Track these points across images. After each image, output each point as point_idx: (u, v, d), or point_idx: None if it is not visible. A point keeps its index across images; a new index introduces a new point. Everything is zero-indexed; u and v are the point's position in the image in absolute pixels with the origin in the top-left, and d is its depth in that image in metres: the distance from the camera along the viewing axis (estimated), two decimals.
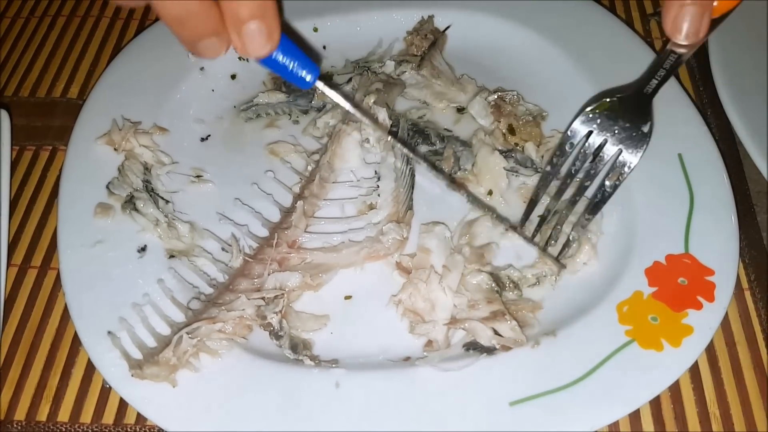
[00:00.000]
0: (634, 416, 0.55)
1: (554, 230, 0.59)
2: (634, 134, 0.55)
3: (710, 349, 0.58)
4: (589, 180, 0.57)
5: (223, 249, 0.62)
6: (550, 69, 0.74)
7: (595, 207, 0.57)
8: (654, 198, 0.62)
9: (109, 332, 0.55)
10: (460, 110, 0.72)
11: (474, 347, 0.55)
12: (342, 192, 0.66)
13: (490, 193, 0.65)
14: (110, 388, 0.55)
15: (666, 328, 0.55)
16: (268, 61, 0.46)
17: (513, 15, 0.76)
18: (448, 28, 0.77)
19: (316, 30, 0.77)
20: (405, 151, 0.62)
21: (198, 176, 0.67)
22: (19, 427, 0.56)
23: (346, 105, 0.51)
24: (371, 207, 0.64)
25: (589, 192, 0.59)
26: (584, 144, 0.56)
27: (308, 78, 0.47)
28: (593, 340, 0.55)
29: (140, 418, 0.55)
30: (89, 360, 0.56)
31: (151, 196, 0.63)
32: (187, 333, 0.52)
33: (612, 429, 0.54)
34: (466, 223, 0.64)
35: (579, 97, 0.69)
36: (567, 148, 0.57)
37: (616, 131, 0.55)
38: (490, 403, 0.52)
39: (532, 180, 0.65)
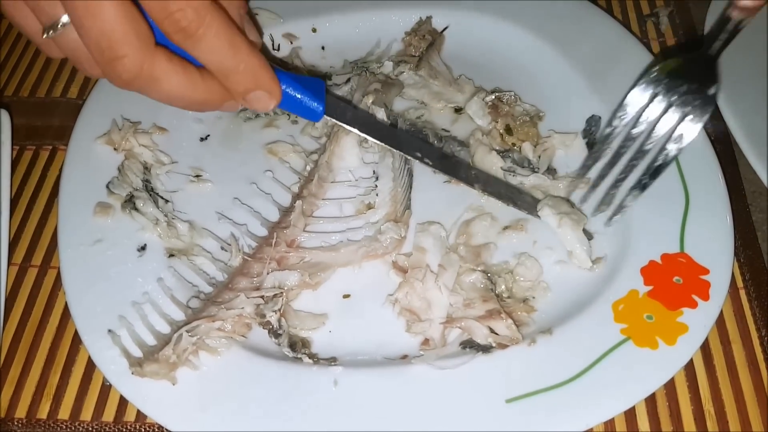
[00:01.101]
0: (630, 414, 0.55)
1: (607, 194, 0.58)
2: (700, 97, 0.53)
3: (705, 348, 0.58)
4: (651, 144, 0.55)
5: (222, 248, 0.62)
6: (547, 70, 0.74)
7: (656, 171, 0.56)
8: (650, 198, 0.61)
9: (109, 330, 0.55)
10: (458, 110, 0.72)
11: (470, 345, 0.55)
12: (340, 191, 0.66)
13: None
14: (110, 386, 0.55)
15: (661, 327, 0.55)
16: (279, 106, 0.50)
17: (510, 16, 0.76)
18: (446, 29, 0.77)
19: (314, 30, 0.77)
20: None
21: (197, 176, 0.67)
22: (20, 425, 0.56)
23: (356, 131, 0.54)
24: (369, 206, 0.64)
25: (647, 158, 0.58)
26: (647, 107, 0.54)
27: (318, 110, 0.51)
28: (589, 338, 0.54)
29: (140, 415, 0.55)
30: (89, 358, 0.56)
31: (150, 195, 0.63)
32: (187, 331, 0.52)
33: (608, 427, 0.54)
34: (463, 222, 0.64)
35: (575, 98, 0.71)
36: (630, 109, 0.55)
37: (682, 94, 0.54)
38: (486, 401, 0.52)
39: (529, 180, 0.65)
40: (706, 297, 0.56)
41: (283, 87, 0.49)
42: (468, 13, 0.76)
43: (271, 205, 0.65)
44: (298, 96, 0.49)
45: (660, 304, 0.56)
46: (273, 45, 0.77)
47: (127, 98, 0.66)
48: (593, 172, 0.60)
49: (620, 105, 0.57)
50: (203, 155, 0.69)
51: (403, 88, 0.73)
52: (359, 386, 0.53)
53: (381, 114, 0.67)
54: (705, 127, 0.66)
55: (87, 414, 0.56)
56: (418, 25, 0.77)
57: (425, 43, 0.75)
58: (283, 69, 0.51)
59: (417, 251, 0.60)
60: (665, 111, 0.54)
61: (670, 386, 0.56)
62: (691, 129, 0.54)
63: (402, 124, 0.69)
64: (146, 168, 0.66)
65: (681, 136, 0.54)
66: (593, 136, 0.69)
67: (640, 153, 0.56)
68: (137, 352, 0.54)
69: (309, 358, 0.55)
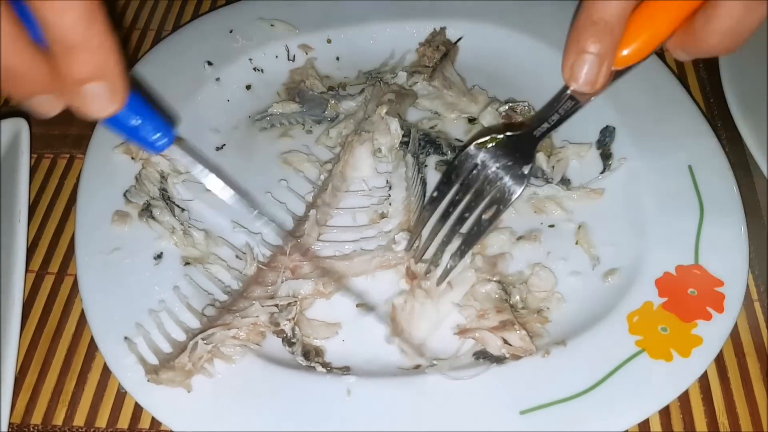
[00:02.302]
0: (644, 426, 0.54)
1: (435, 255, 0.58)
2: (514, 174, 0.54)
3: (720, 360, 0.58)
4: (468, 212, 0.56)
5: (237, 256, 0.62)
6: (560, 80, 0.69)
7: (470, 239, 0.56)
8: (664, 209, 0.62)
9: (125, 338, 0.55)
10: (471, 120, 0.71)
11: (484, 356, 0.55)
12: (354, 201, 0.65)
13: None
14: (125, 392, 0.55)
15: (676, 339, 0.54)
16: (112, 122, 0.41)
17: (524, 27, 0.75)
18: (459, 39, 0.77)
19: (329, 41, 0.77)
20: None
21: None
22: (36, 431, 0.56)
23: (199, 169, 0.49)
24: (383, 216, 0.64)
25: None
26: (468, 175, 0.55)
27: (160, 142, 0.43)
28: (603, 349, 0.54)
29: (155, 422, 0.55)
30: (105, 365, 0.56)
31: (167, 204, 0.63)
32: (203, 339, 0.52)
33: None
34: None
35: (589, 109, 0.65)
36: (453, 177, 0.56)
37: (498, 168, 0.54)
38: (500, 412, 0.52)
39: (543, 191, 0.66)
40: (720, 309, 0.56)
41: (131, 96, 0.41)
42: (482, 25, 0.76)
43: (285, 215, 0.65)
44: (142, 119, 0.42)
45: (675, 316, 0.56)
46: (289, 56, 0.77)
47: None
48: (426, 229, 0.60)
49: (445, 172, 0.58)
50: (219, 164, 0.68)
51: (416, 98, 0.72)
52: (372, 396, 0.53)
53: (395, 124, 0.68)
54: (720, 139, 0.67)
55: (102, 421, 0.56)
56: (432, 36, 0.76)
57: (439, 53, 0.75)
58: None
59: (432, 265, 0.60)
60: (482, 182, 0.55)
61: (684, 398, 0.56)
62: (504, 202, 0.55)
63: (415, 134, 0.69)
64: (163, 177, 0.66)
65: (494, 208, 0.55)
66: (607, 147, 0.69)
67: (460, 220, 0.57)
68: (153, 360, 0.54)
69: (322, 367, 0.54)
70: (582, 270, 0.61)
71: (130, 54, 0.81)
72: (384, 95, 0.70)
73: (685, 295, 0.57)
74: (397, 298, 0.58)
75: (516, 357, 0.54)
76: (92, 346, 0.58)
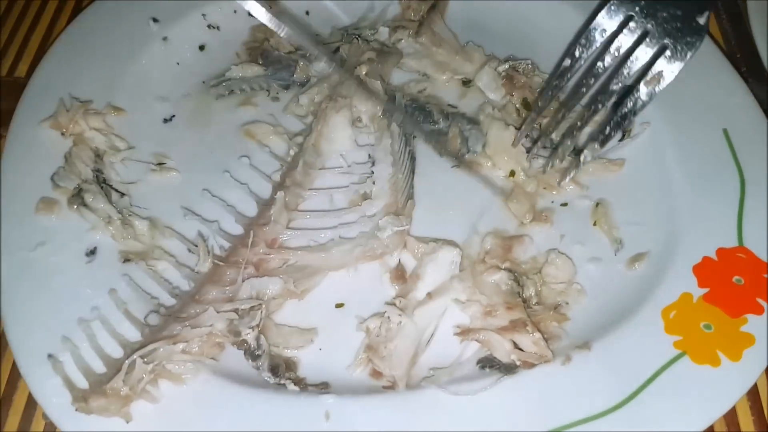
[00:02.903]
0: None
1: (562, 144, 0.50)
2: (685, 26, 0.45)
3: None
4: (619, 81, 0.47)
5: (188, 250, 0.58)
6: (568, 34, 0.66)
7: (621, 119, 0.48)
8: (698, 182, 0.58)
9: (49, 355, 0.50)
10: (466, 83, 0.68)
11: (490, 365, 0.51)
12: (331, 180, 0.62)
13: (511, 174, 0.60)
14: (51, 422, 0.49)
15: (722, 338, 0.50)
16: None
17: None
18: None
19: None
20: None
21: (160, 164, 0.63)
22: None
23: None
24: (365, 197, 0.61)
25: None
26: (618, 33, 0.46)
27: None
28: (636, 354, 0.50)
29: None
30: None
31: (102, 188, 0.59)
32: (141, 356, 0.48)
33: None
34: None
35: None
36: (597, 36, 0.46)
37: (664, 18, 0.45)
38: None
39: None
40: None
41: None
42: None
43: (247, 197, 0.61)
44: None
45: (719, 310, 0.52)
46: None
47: (77, 74, 0.66)
48: (544, 116, 0.52)
49: (584, 29, 0.48)
50: (167, 139, 0.65)
51: (401, 57, 0.70)
52: (356, 420, 0.48)
53: (377, 87, 0.63)
54: (756, 95, 0.62)
55: None
56: None
57: (426, 5, 0.72)
58: None
59: (411, 279, 0.54)
60: (640, 41, 0.46)
61: None
62: (672, 67, 0.46)
63: (401, 99, 0.65)
64: (98, 156, 0.62)
65: (658, 75, 0.46)
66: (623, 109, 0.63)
67: (604, 94, 0.48)
68: (83, 382, 0.49)
69: (295, 384, 0.50)
70: (603, 256, 0.57)
71: (68, 15, 0.77)
72: (363, 54, 0.67)
73: (730, 284, 0.53)
74: (369, 320, 0.52)
75: (529, 365, 0.50)
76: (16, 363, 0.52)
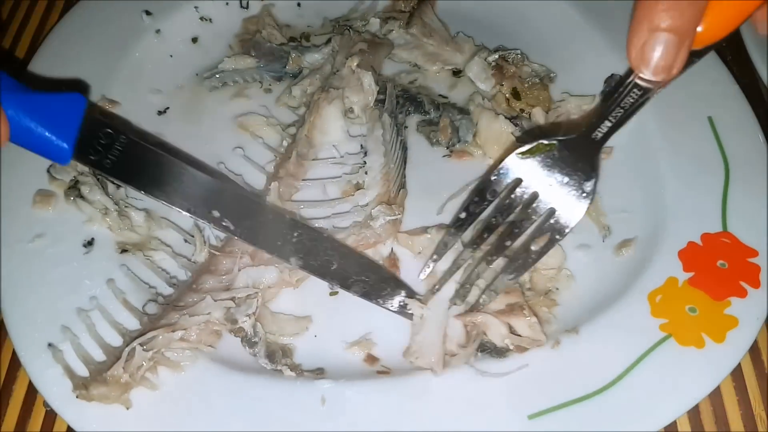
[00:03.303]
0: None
1: (462, 288, 0.51)
2: (573, 192, 0.46)
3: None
4: (510, 240, 0.48)
5: (185, 241, 0.58)
6: (557, 24, 0.70)
7: (516, 271, 0.49)
8: (684, 169, 0.58)
9: (49, 344, 0.50)
10: (457, 73, 0.69)
11: (483, 349, 0.51)
12: (323, 171, 0.62)
13: None
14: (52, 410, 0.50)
15: (707, 321, 0.51)
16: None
17: None
18: None
19: None
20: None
21: None
22: None
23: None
24: (358, 187, 0.61)
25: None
26: (510, 194, 0.47)
27: (63, 151, 0.45)
28: (623, 337, 0.50)
29: None
30: None
31: (98, 180, 0.59)
32: (141, 344, 0.48)
33: None
34: None
35: (591, 55, 0.67)
36: (488, 195, 0.48)
37: (552, 185, 0.46)
38: (505, 417, 0.47)
39: None
40: (756, 283, 0.52)
41: (17, 119, 0.43)
42: None
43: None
44: (39, 133, 0.44)
45: (704, 293, 0.52)
46: (242, 2, 0.72)
47: (72, 66, 0.66)
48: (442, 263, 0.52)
49: (476, 188, 0.50)
50: (162, 131, 0.64)
51: (392, 48, 0.70)
52: (351, 404, 0.49)
53: (368, 79, 0.63)
54: (740, 84, 0.63)
55: None
56: None
57: None
58: None
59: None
60: (529, 203, 0.47)
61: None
62: (559, 230, 0.47)
63: (392, 90, 0.65)
64: None
65: (547, 236, 0.47)
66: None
67: (498, 248, 0.49)
68: (83, 371, 0.49)
69: (291, 370, 0.51)
70: (591, 242, 0.57)
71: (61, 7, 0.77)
72: (354, 46, 0.67)
73: (715, 268, 0.53)
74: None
75: (521, 349, 0.50)
76: (16, 353, 0.52)
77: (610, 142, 0.59)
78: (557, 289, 0.54)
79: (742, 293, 0.51)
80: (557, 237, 0.47)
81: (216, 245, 0.56)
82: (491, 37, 0.69)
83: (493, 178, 0.47)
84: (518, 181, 0.47)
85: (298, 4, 0.73)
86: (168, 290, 0.55)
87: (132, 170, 0.48)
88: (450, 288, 0.52)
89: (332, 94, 0.63)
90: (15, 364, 0.53)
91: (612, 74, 0.64)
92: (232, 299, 0.51)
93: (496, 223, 0.49)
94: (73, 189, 0.58)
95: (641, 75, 0.41)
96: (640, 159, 0.60)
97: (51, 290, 0.53)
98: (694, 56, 0.42)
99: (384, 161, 0.61)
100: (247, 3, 0.72)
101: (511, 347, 0.50)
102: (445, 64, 0.68)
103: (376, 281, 0.52)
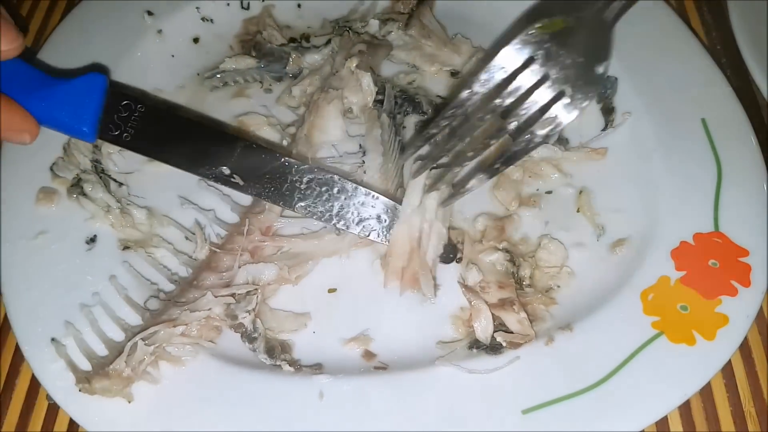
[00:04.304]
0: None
1: (447, 171, 0.49)
2: (584, 74, 0.44)
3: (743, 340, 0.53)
4: (514, 120, 0.45)
5: (186, 238, 0.58)
6: None
7: (509, 158, 0.46)
8: (677, 170, 0.58)
9: (52, 339, 0.51)
10: (455, 74, 0.68)
11: (477, 346, 0.52)
12: None
13: None
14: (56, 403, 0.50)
15: (698, 319, 0.51)
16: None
17: None
18: None
19: None
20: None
21: None
22: None
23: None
24: None
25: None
26: (515, 74, 0.45)
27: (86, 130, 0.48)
28: (615, 334, 0.51)
29: None
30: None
31: (101, 178, 0.59)
32: (143, 339, 0.48)
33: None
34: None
35: None
36: (496, 73, 0.45)
37: (564, 65, 0.43)
38: (499, 412, 0.48)
39: (538, 152, 0.60)
40: (746, 282, 0.52)
41: (42, 109, 0.47)
42: None
43: None
44: (64, 120, 0.48)
45: (695, 292, 0.52)
46: (242, 3, 0.72)
47: (75, 64, 0.65)
48: (435, 144, 0.51)
49: (485, 65, 0.47)
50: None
51: (391, 49, 0.69)
52: (349, 399, 0.49)
53: (367, 80, 0.63)
54: (733, 86, 0.62)
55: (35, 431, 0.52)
56: None
57: None
58: None
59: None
60: (539, 84, 0.45)
61: (704, 385, 0.51)
62: (567, 113, 0.45)
63: (391, 90, 0.65)
64: (96, 146, 0.61)
65: (553, 119, 0.45)
66: (609, 100, 0.64)
67: (499, 130, 0.47)
68: (86, 365, 0.50)
69: (290, 365, 0.51)
70: (586, 241, 0.58)
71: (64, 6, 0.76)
72: (354, 46, 0.66)
73: (706, 267, 0.53)
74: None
75: (514, 345, 0.51)
76: (19, 347, 0.52)
77: (603, 143, 0.60)
78: (558, 287, 0.54)
79: (733, 292, 0.51)
80: (563, 121, 0.44)
81: (216, 243, 0.56)
82: (489, 39, 0.69)
83: (504, 53, 0.44)
84: (530, 61, 0.44)
85: (299, 5, 0.72)
86: (169, 287, 0.55)
87: (149, 139, 0.50)
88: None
89: (331, 94, 0.63)
90: (18, 358, 0.54)
91: (608, 76, 0.62)
92: (233, 296, 0.52)
93: (500, 105, 0.45)
94: (76, 187, 0.58)
95: None
96: (635, 159, 0.60)
97: (54, 286, 0.53)
98: None
99: (382, 160, 0.60)
100: (248, 4, 0.71)
101: (504, 344, 0.50)
102: (443, 65, 0.68)
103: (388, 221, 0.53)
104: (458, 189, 0.49)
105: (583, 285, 0.55)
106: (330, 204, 0.53)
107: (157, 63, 0.68)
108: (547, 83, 0.44)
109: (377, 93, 0.63)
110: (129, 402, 0.48)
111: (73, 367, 0.49)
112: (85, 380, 0.47)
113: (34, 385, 0.53)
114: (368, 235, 0.54)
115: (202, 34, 0.70)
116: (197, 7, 0.70)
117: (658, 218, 0.56)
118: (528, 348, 0.50)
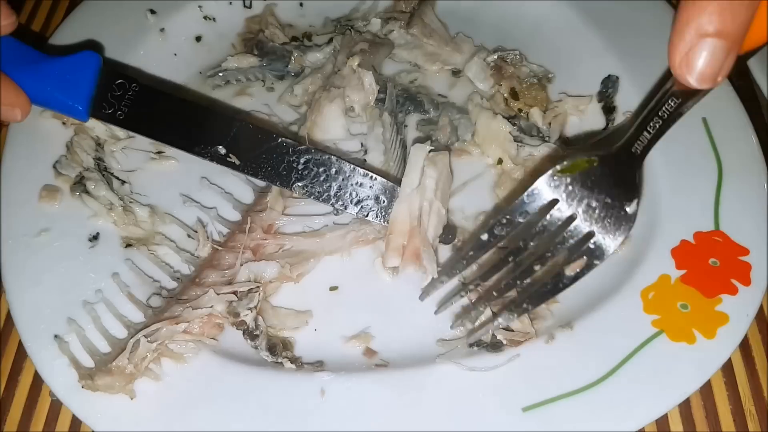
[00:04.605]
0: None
1: (475, 311, 0.49)
2: (613, 214, 0.42)
3: (743, 339, 0.53)
4: (540, 263, 0.44)
5: (188, 236, 0.58)
6: (556, 25, 0.70)
7: (540, 297, 0.45)
8: (678, 169, 0.58)
9: (55, 336, 0.51)
10: (456, 73, 0.68)
11: (479, 344, 0.51)
12: None
13: (499, 162, 0.61)
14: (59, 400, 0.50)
15: (698, 317, 0.51)
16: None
17: None
18: None
19: None
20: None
21: (159, 152, 0.63)
22: None
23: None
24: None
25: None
26: (545, 216, 0.43)
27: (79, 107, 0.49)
28: (616, 332, 0.51)
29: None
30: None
31: (103, 176, 0.59)
32: (145, 336, 0.48)
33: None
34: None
35: (589, 56, 0.67)
36: (519, 217, 0.43)
37: (592, 206, 0.42)
38: (500, 410, 0.48)
39: (539, 151, 0.60)
40: (746, 281, 0.52)
41: (36, 86, 0.47)
42: None
43: (244, 184, 0.61)
44: (57, 97, 0.48)
45: (696, 290, 0.52)
46: (245, 1, 0.72)
47: None
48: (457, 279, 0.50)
49: (507, 209, 0.45)
50: None
51: (393, 48, 0.69)
52: (350, 396, 0.49)
53: (369, 78, 0.63)
54: (734, 86, 0.62)
55: (37, 429, 0.52)
56: None
57: None
58: None
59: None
60: (566, 225, 0.43)
61: (704, 384, 0.51)
62: (596, 256, 0.43)
63: (392, 89, 0.65)
64: (99, 144, 0.62)
65: (584, 260, 0.43)
66: (610, 100, 0.64)
67: (526, 270, 0.45)
68: (88, 362, 0.50)
69: (291, 362, 0.51)
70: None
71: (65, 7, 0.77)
72: (355, 45, 0.66)
73: (707, 266, 0.53)
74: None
75: (515, 343, 0.51)
76: (22, 344, 0.52)
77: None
78: None
79: (733, 290, 0.51)
80: (595, 262, 0.43)
81: (219, 240, 0.57)
82: (490, 38, 0.69)
83: (526, 199, 0.43)
84: (554, 202, 0.43)
85: (301, 4, 0.73)
86: (172, 284, 0.55)
87: (143, 117, 0.50)
88: None
89: (333, 92, 0.63)
90: (21, 355, 0.54)
91: (609, 75, 0.64)
92: (235, 293, 0.52)
93: (524, 247, 0.44)
94: (79, 184, 0.58)
95: (684, 82, 0.38)
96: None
97: (57, 283, 0.53)
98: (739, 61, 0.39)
99: (384, 159, 0.61)
100: (251, 2, 0.71)
101: (505, 342, 0.50)
102: (444, 63, 0.68)
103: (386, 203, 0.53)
104: (480, 328, 0.50)
105: (584, 283, 0.51)
106: (328, 184, 0.54)
107: (160, 61, 0.68)
108: (574, 224, 0.43)
109: (379, 92, 0.64)
110: (131, 399, 0.48)
111: (75, 363, 0.49)
112: (87, 377, 0.48)
113: (37, 381, 0.53)
114: (366, 216, 0.54)
115: (205, 32, 0.71)
116: (200, 6, 0.70)
117: (659, 217, 0.56)
118: (528, 346, 0.50)
